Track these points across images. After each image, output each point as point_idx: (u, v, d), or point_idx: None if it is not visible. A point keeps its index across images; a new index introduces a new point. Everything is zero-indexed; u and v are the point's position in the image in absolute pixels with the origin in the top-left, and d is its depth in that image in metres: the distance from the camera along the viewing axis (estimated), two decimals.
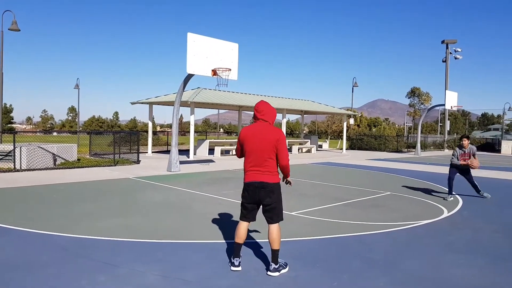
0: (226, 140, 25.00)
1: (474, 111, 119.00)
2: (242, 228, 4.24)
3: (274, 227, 4.13)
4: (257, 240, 5.31)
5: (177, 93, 13.15)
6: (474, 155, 9.07)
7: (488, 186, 11.34)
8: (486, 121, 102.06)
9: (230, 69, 12.53)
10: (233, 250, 4.31)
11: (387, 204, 8.18)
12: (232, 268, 4.24)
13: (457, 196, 9.26)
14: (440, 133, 55.55)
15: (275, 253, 4.12)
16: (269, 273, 4.13)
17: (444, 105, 24.72)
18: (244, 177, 4.23)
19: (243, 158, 4.32)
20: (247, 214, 4.24)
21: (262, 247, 5.02)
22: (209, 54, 12.21)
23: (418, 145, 26.59)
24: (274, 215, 4.14)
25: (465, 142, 9.11)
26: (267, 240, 4.23)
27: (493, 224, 6.64)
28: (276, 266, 4.13)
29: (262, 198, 4.11)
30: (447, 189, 9.13)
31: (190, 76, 12.47)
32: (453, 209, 7.83)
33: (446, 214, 7.36)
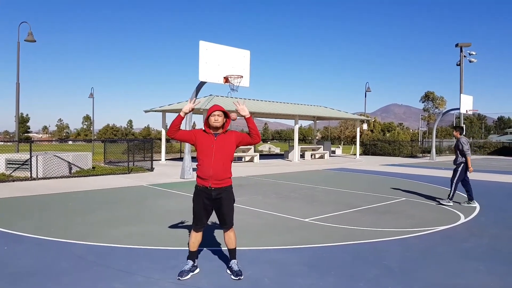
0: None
1: (490, 115, 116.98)
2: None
3: None
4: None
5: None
6: (457, 149, 8.50)
7: (505, 192, 11.12)
8: (503, 124, 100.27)
9: (242, 76, 12.56)
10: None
11: (402, 210, 8.07)
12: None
13: (475, 201, 9.07)
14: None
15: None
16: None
17: (459, 109, 24.34)
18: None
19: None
20: None
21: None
22: (221, 62, 12.27)
23: (433, 150, 26.23)
24: None
25: (454, 133, 8.81)
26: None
27: (511, 230, 6.50)
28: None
29: None
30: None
31: (202, 83, 12.56)
32: (470, 215, 7.69)
33: (463, 220, 7.23)
